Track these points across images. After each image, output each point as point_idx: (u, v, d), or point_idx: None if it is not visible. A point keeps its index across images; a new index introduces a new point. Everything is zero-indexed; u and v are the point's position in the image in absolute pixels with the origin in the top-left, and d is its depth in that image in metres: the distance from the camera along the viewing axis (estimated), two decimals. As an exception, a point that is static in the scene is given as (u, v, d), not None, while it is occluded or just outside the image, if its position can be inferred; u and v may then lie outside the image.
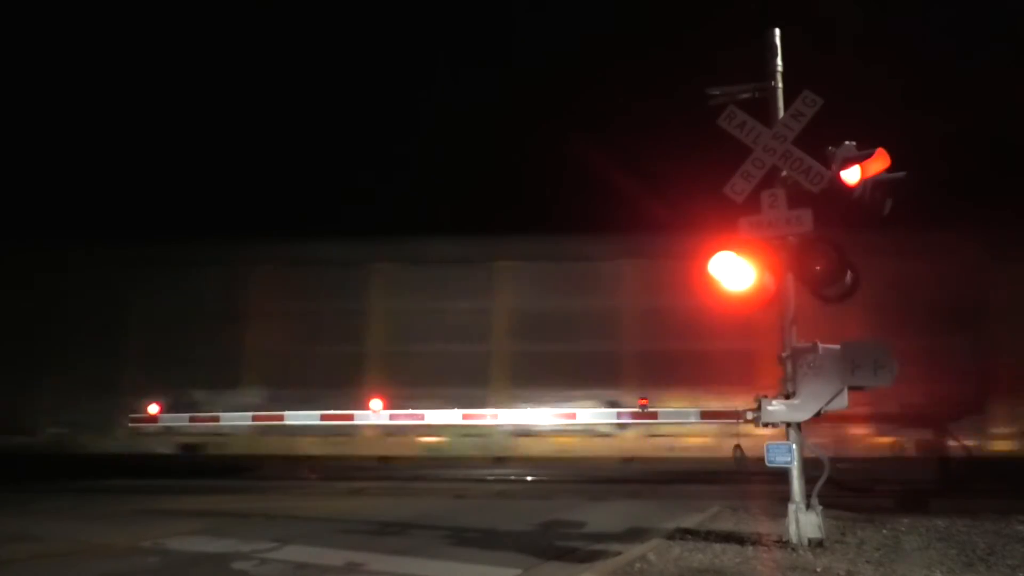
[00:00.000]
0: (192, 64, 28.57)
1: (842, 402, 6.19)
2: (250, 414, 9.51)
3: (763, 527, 7.39)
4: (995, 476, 12.45)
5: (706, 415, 7.30)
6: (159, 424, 9.63)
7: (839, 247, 6.13)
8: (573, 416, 9.53)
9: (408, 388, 11.84)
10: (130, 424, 9.70)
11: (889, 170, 6.34)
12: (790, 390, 6.32)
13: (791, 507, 6.32)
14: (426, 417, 8.98)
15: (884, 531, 7.13)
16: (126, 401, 12.00)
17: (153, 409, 9.67)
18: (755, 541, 6.55)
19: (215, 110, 26.58)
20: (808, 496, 6.30)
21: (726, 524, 7.78)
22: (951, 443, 12.55)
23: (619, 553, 6.18)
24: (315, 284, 14.29)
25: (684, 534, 7.00)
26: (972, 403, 12.67)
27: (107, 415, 12.90)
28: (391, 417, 8.66)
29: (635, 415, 7.60)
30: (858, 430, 12.40)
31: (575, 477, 17.63)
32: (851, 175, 6.25)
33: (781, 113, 6.79)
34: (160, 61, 28.17)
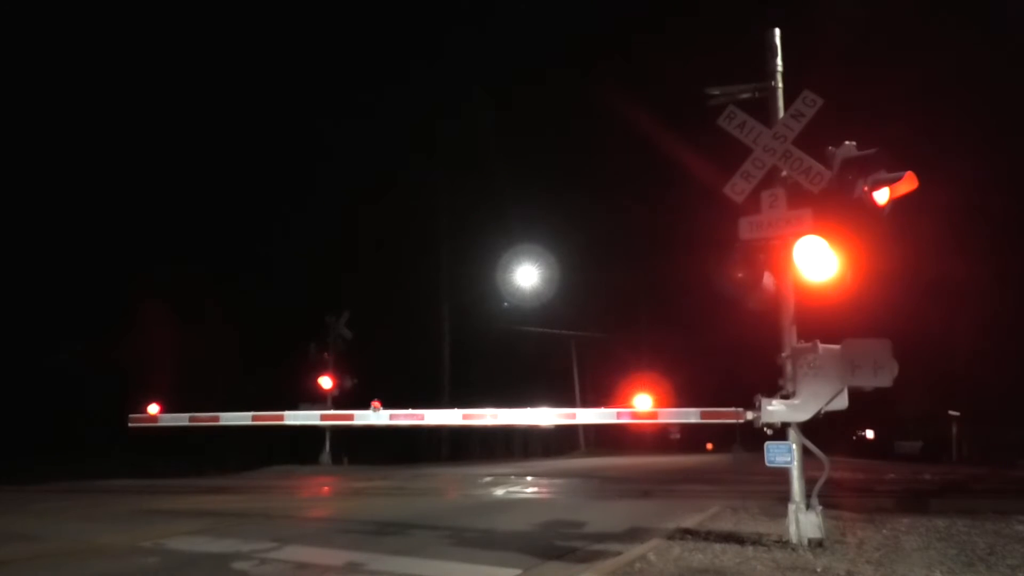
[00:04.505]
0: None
1: (842, 402, 6.17)
2: (250, 414, 9.46)
3: (763, 527, 7.39)
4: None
5: (706, 415, 7.27)
6: (159, 424, 9.59)
7: (839, 247, 6.12)
8: (573, 416, 9.50)
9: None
10: (130, 424, 9.67)
11: (891, 169, 6.33)
12: (790, 390, 6.31)
13: (791, 507, 6.31)
14: (426, 417, 8.93)
15: (884, 531, 7.12)
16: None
17: (153, 409, 9.64)
18: (755, 541, 6.54)
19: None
20: (808, 496, 6.30)
21: (726, 524, 7.78)
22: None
23: (619, 553, 6.17)
24: None
25: (684, 534, 7.00)
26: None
27: None
28: (391, 417, 8.61)
29: (635, 415, 7.57)
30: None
31: (575, 477, 17.64)
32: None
33: (781, 113, 6.78)
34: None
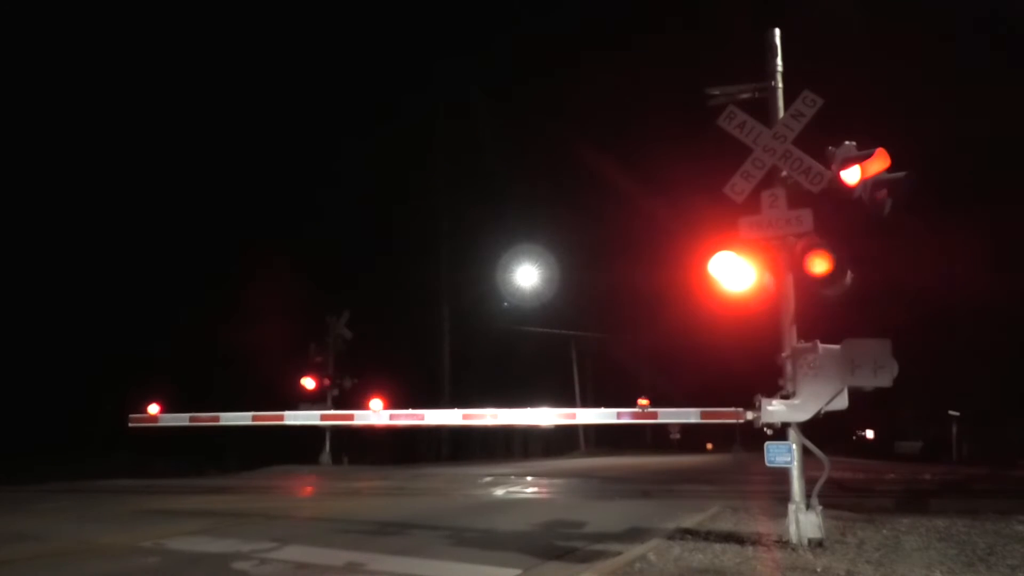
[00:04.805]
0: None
1: (842, 402, 6.17)
2: (250, 414, 9.47)
3: (763, 527, 7.39)
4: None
5: (706, 415, 7.28)
6: (159, 424, 9.60)
7: (839, 247, 6.13)
8: (573, 416, 9.51)
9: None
10: (130, 424, 9.67)
11: (890, 170, 6.34)
12: (790, 390, 6.31)
13: (791, 507, 6.31)
14: (426, 417, 8.94)
15: (884, 531, 7.12)
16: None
17: (153, 409, 9.65)
18: (755, 541, 6.54)
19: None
20: (808, 496, 6.30)
21: (726, 524, 7.78)
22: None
23: (619, 553, 6.17)
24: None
25: (684, 534, 6.99)
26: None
27: None
28: (391, 417, 8.62)
29: (635, 415, 7.58)
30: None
31: (575, 477, 17.63)
32: (851, 175, 6.23)
33: (781, 113, 6.78)
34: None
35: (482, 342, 36.37)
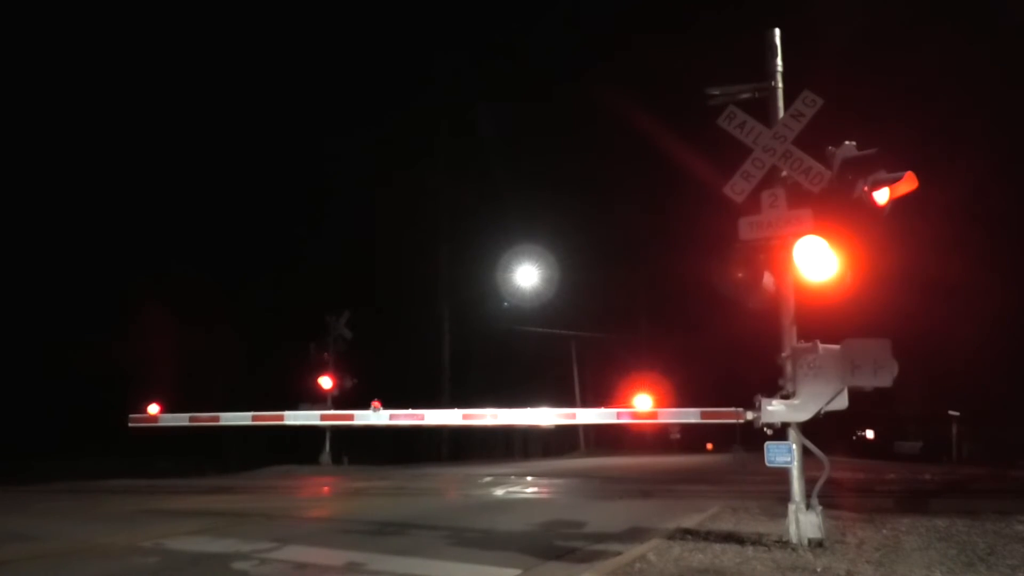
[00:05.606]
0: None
1: (842, 402, 6.17)
2: (250, 414, 9.46)
3: (763, 527, 7.39)
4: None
5: (706, 415, 7.27)
6: (159, 424, 9.59)
7: (839, 247, 6.12)
8: (573, 416, 9.51)
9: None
10: (130, 424, 9.67)
11: (890, 168, 6.33)
12: (790, 390, 6.31)
13: (791, 507, 6.31)
14: (426, 417, 8.93)
15: (884, 531, 7.12)
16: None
17: (153, 409, 9.64)
18: (755, 541, 6.54)
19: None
20: (808, 496, 6.30)
21: (726, 524, 7.78)
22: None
23: (619, 553, 6.18)
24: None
25: (684, 534, 7.00)
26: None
27: None
28: (391, 417, 8.61)
29: (635, 415, 7.57)
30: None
31: (575, 477, 17.63)
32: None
33: (781, 113, 6.78)
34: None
35: (482, 342, 36.37)
